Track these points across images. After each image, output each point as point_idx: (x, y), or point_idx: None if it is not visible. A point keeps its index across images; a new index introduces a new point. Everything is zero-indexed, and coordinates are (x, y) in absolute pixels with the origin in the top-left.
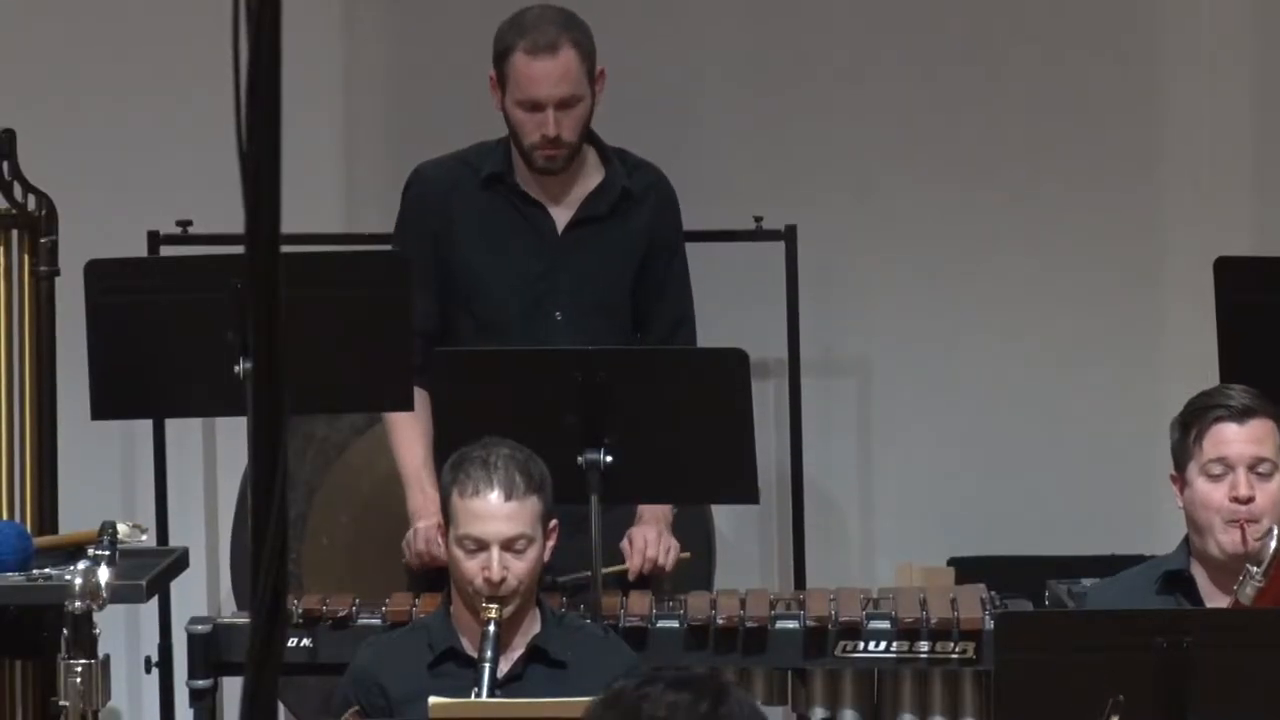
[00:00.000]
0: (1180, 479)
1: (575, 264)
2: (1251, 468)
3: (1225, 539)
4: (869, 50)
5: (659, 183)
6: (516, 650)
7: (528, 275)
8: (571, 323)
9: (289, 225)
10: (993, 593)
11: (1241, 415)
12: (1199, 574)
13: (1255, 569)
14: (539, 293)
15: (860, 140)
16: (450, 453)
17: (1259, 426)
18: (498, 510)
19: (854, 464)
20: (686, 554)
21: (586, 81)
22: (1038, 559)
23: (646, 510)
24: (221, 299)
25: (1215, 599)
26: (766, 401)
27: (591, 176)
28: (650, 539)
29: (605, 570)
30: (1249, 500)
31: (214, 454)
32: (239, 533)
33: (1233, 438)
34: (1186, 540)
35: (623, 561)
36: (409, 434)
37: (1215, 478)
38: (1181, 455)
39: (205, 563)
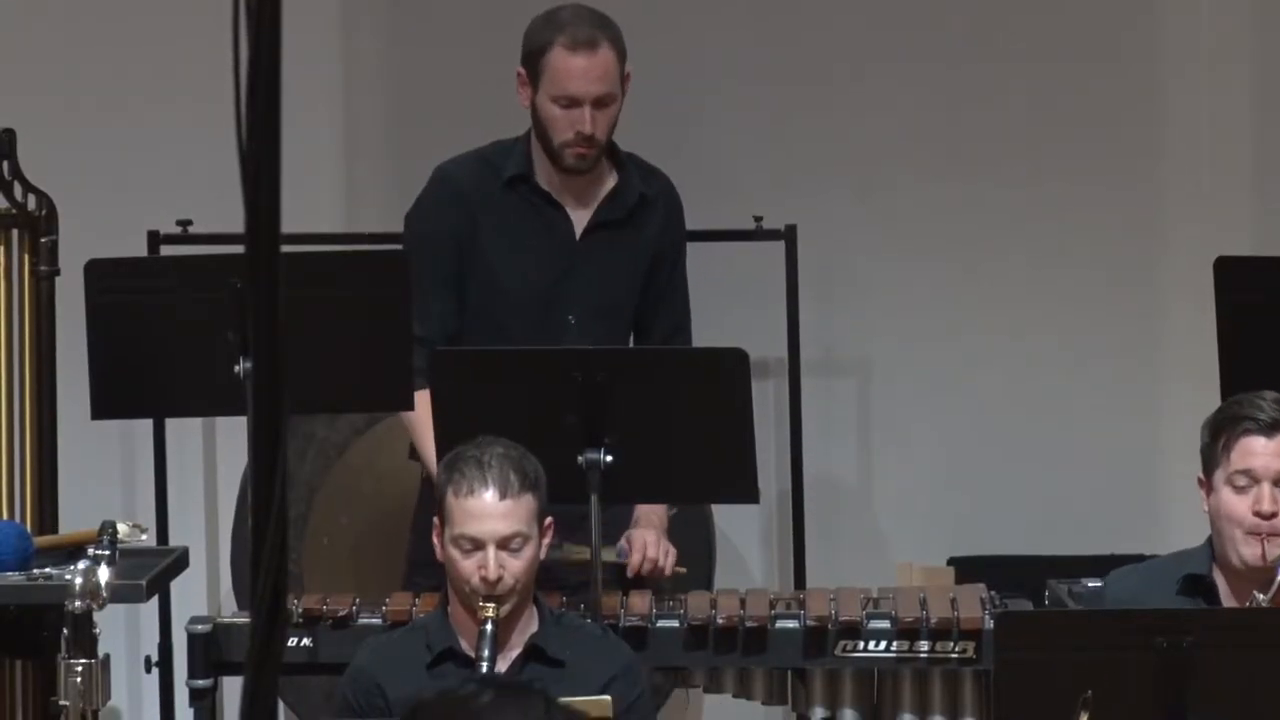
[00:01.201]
0: (1207, 483)
1: (591, 269)
2: (1277, 482)
3: (1246, 551)
4: (870, 49)
5: (669, 190)
6: (514, 649)
7: (545, 279)
8: (584, 328)
9: (289, 225)
10: (993, 592)
11: (1270, 429)
12: (1220, 579)
13: (1261, 596)
14: (554, 296)
15: (861, 139)
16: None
17: None
18: (493, 509)
19: (854, 464)
20: (682, 569)
21: (620, 82)
22: (1038, 559)
23: (644, 516)
24: (221, 299)
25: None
26: (766, 401)
27: (606, 179)
28: (650, 540)
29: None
30: (1272, 515)
31: (214, 454)
32: (239, 532)
33: (1260, 450)
34: (1209, 542)
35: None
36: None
37: (1240, 489)
38: (1209, 461)
39: (205, 562)
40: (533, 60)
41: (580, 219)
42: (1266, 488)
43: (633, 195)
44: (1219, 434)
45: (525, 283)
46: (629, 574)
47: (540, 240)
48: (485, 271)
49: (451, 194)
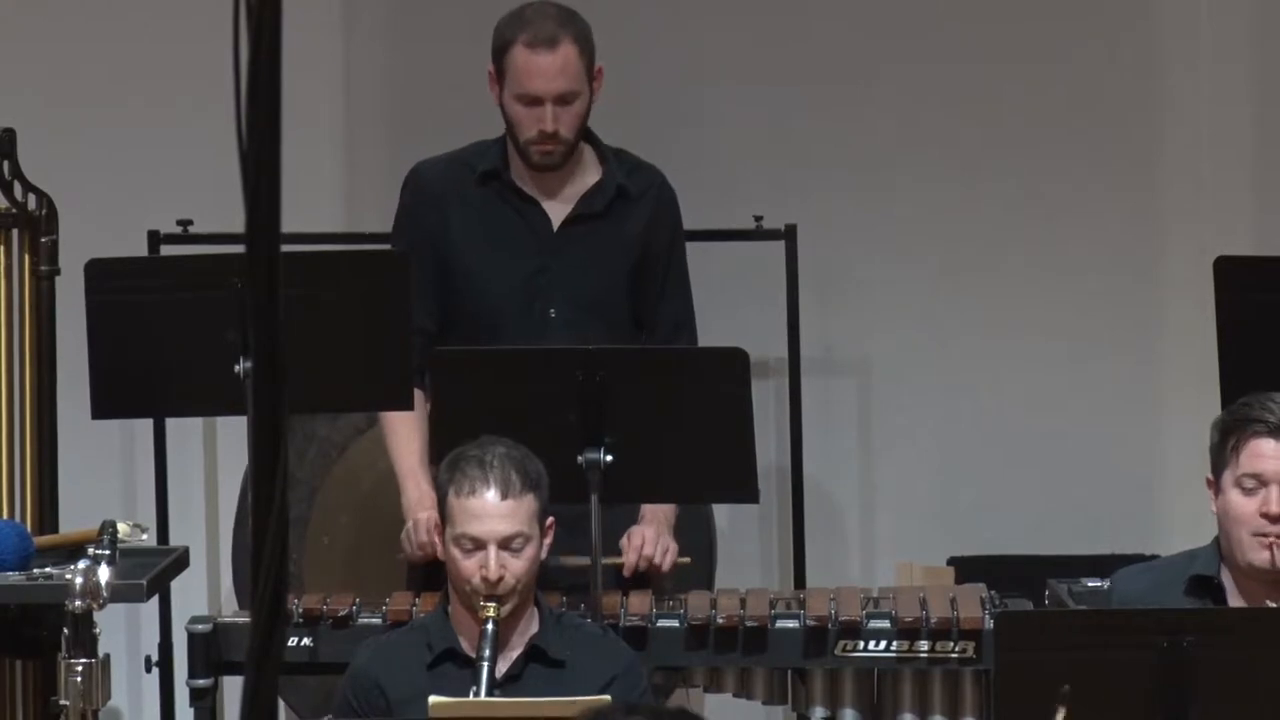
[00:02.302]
0: (1215, 484)
1: (569, 261)
2: None
3: (1254, 555)
4: (869, 50)
5: (659, 185)
6: (515, 650)
7: (522, 272)
8: (566, 321)
9: (289, 225)
10: (993, 592)
11: (1279, 431)
12: (1228, 580)
13: (1273, 606)
14: (533, 289)
15: (860, 140)
16: (450, 453)
17: None
18: (494, 509)
19: (854, 464)
20: (686, 559)
21: (585, 78)
22: (1038, 559)
23: (649, 510)
24: (221, 299)
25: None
26: (766, 401)
27: (588, 175)
28: (648, 537)
29: (604, 560)
30: (1279, 518)
31: (214, 454)
32: (239, 532)
33: (1269, 453)
34: (1217, 542)
35: (621, 556)
36: (405, 433)
37: (1248, 491)
38: (1218, 462)
39: (205, 562)
40: (498, 58)
41: (557, 213)
42: (1275, 490)
43: (611, 189)
44: (1228, 435)
45: (502, 277)
46: (625, 574)
47: (515, 234)
48: (463, 267)
49: (421, 193)
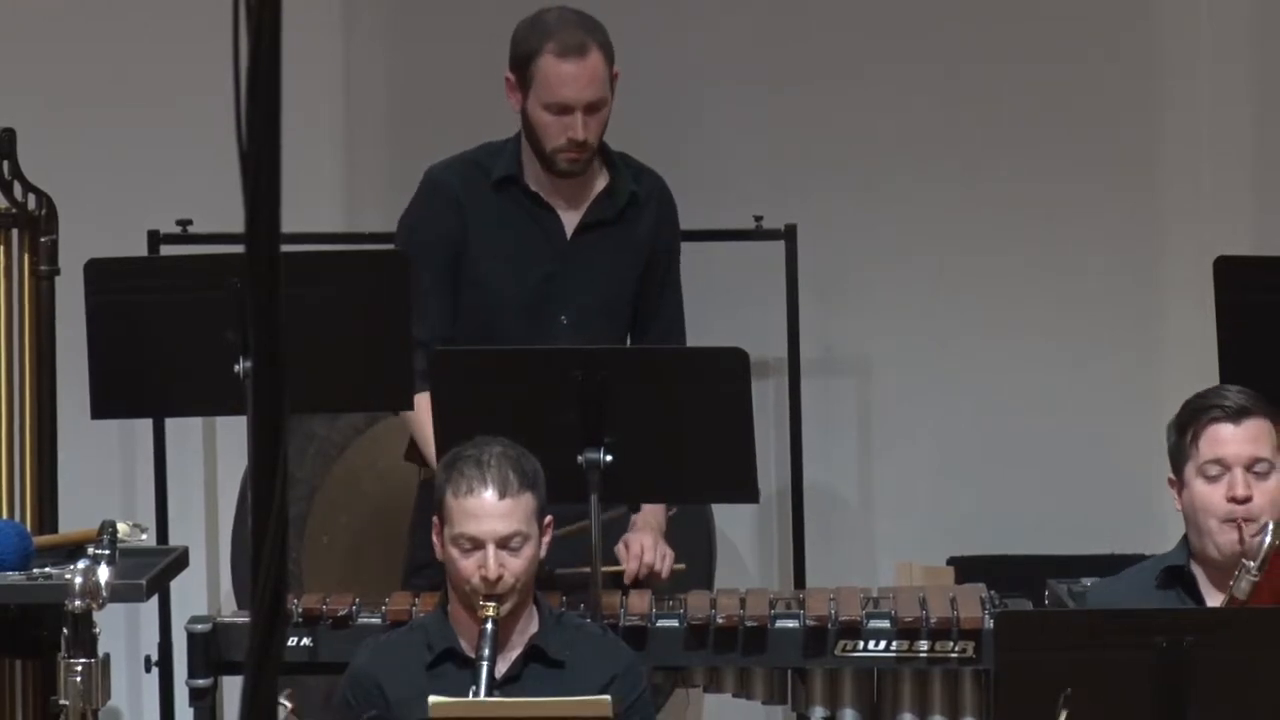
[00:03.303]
0: (1178, 482)
1: (583, 268)
2: (1248, 467)
3: (1223, 539)
4: (870, 49)
5: (661, 190)
6: (515, 649)
7: (536, 278)
8: (576, 326)
9: (289, 225)
10: (992, 592)
11: (1237, 415)
12: (1198, 572)
13: (1250, 563)
14: (546, 295)
15: (861, 139)
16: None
17: (1254, 426)
18: (492, 509)
19: (854, 464)
20: (681, 565)
21: (610, 83)
22: (1038, 559)
23: (640, 517)
24: (221, 299)
25: (1214, 596)
26: (766, 401)
27: (597, 180)
28: (647, 545)
29: (603, 569)
30: (1247, 500)
31: (214, 453)
32: (239, 532)
33: (1229, 438)
34: (1186, 539)
35: (618, 563)
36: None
37: (1213, 479)
38: (1178, 458)
39: (205, 562)
40: (522, 66)
41: (570, 219)
42: (1239, 473)
43: (623, 194)
44: (1186, 428)
45: (516, 283)
46: (626, 581)
47: (530, 241)
48: (476, 273)
49: (444, 199)
